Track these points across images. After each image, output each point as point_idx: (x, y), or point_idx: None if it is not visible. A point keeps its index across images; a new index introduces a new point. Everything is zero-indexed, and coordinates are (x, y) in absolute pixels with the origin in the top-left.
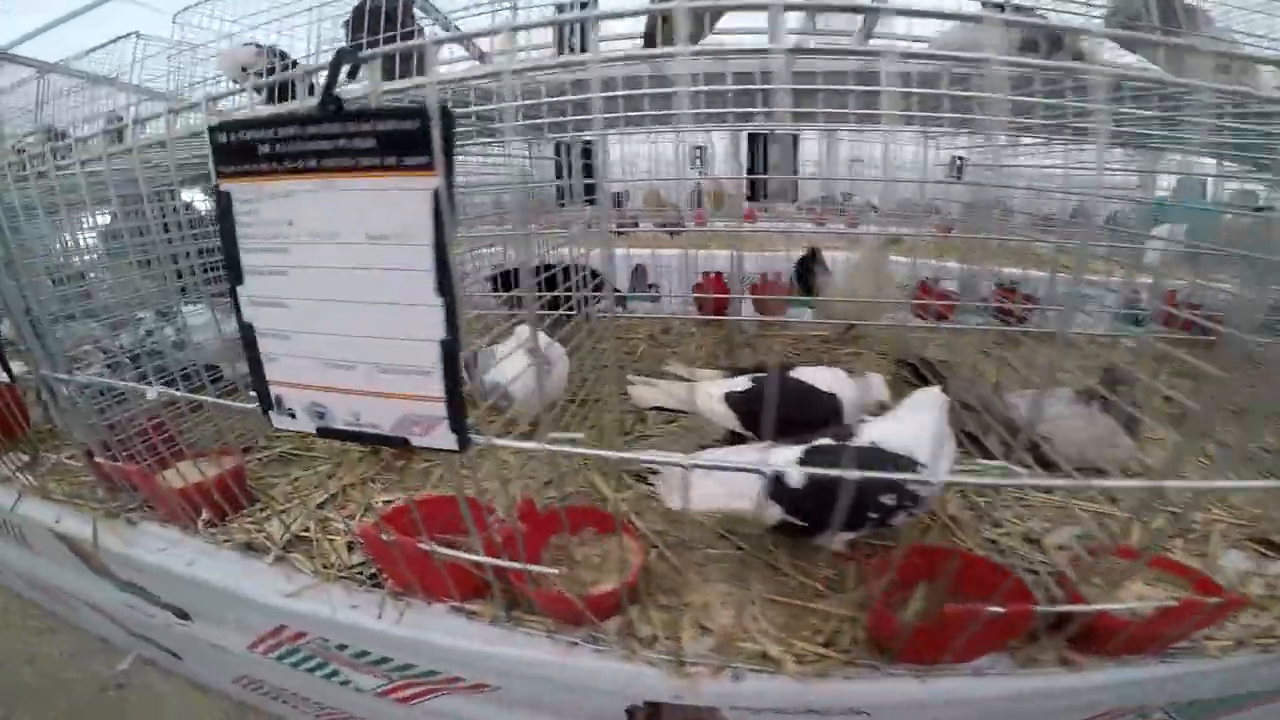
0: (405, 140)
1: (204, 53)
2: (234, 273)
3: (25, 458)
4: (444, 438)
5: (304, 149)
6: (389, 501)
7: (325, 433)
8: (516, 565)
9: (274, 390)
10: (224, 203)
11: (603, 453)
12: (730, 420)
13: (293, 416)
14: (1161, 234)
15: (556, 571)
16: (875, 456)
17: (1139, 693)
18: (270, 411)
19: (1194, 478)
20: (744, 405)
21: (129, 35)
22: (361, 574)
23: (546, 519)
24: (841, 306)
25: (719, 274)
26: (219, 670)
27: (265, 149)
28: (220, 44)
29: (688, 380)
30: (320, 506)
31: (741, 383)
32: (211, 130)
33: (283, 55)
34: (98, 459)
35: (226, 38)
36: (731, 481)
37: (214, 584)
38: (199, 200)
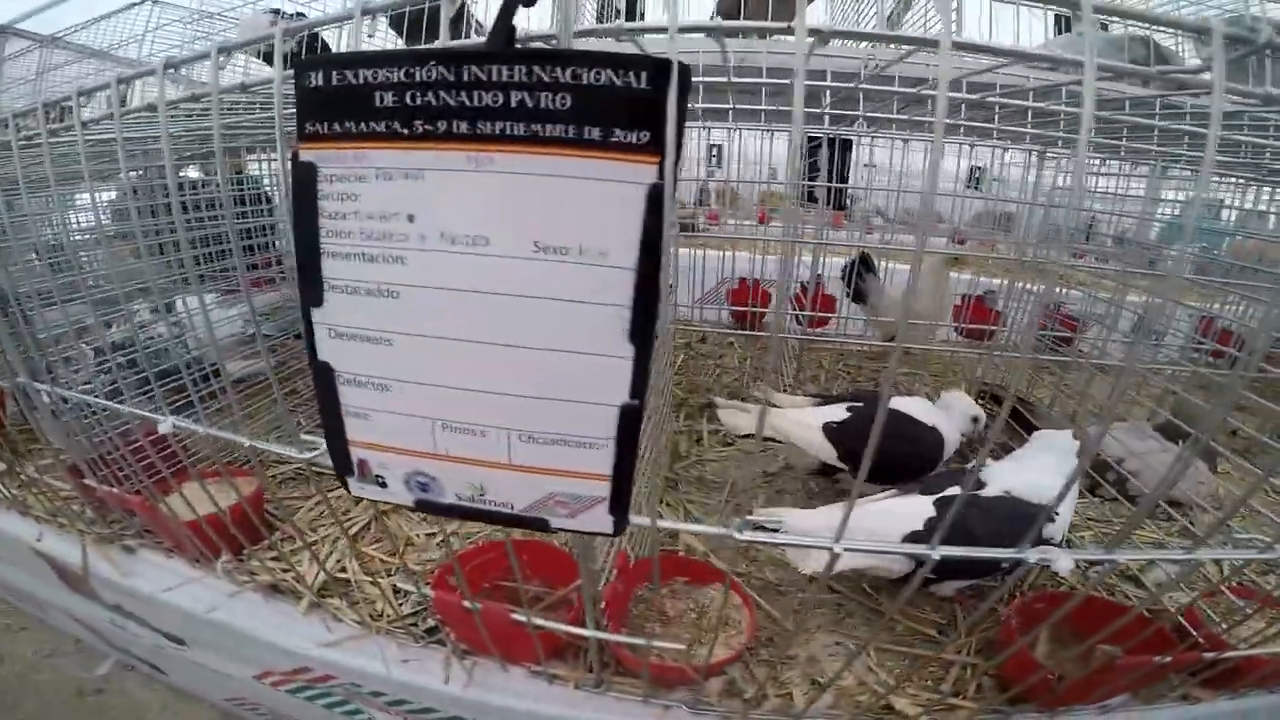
0: (620, 106)
1: (223, 22)
2: (309, 286)
3: (0, 465)
4: (598, 521)
5: (451, 105)
6: (432, 535)
7: (428, 508)
8: (635, 640)
9: (357, 454)
10: (304, 179)
11: (773, 539)
12: (828, 453)
13: (381, 485)
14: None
15: (680, 647)
16: (1012, 510)
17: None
18: (349, 478)
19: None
20: (844, 439)
21: (144, 1)
22: (416, 626)
23: (636, 570)
24: (894, 318)
25: (756, 281)
26: (210, 687)
27: (387, 100)
28: (243, 10)
29: (769, 405)
30: (355, 538)
31: (838, 412)
32: (299, 67)
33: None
34: (88, 481)
35: (250, 3)
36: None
37: (235, 628)
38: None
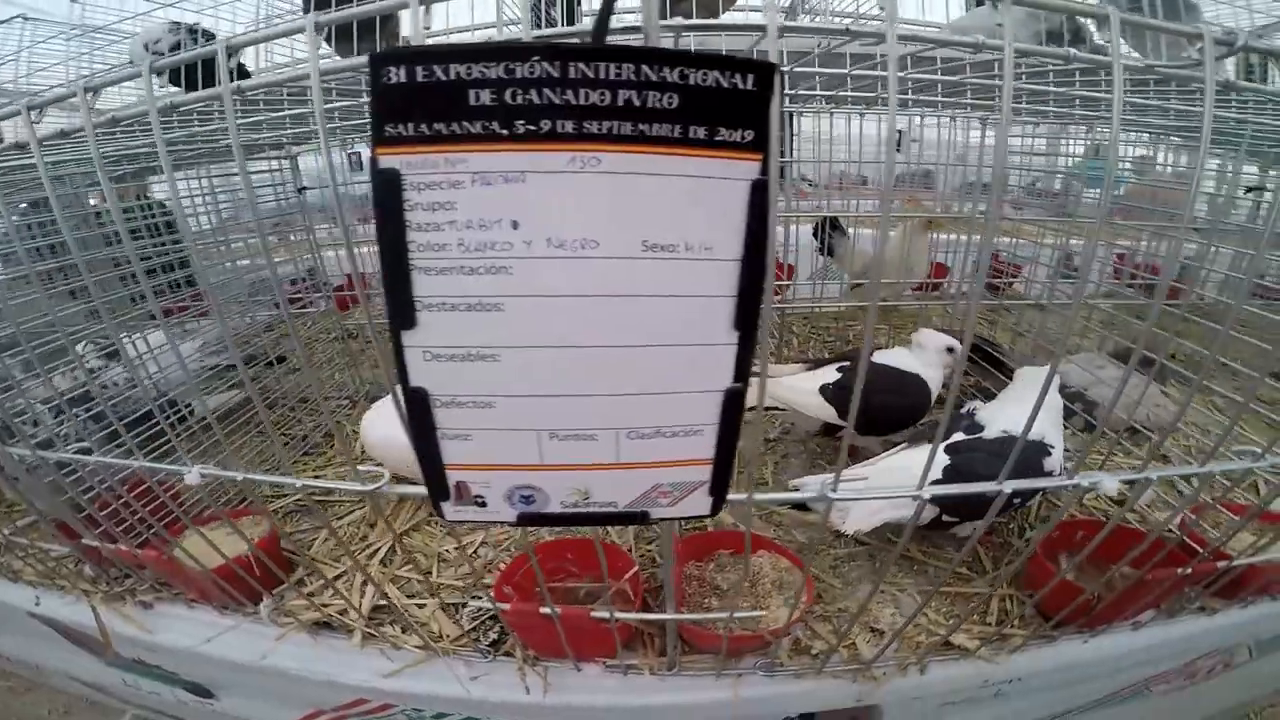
0: (726, 105)
1: (107, 37)
2: (398, 308)
3: None
4: (697, 503)
5: (556, 103)
6: (461, 549)
7: (530, 520)
8: (717, 616)
9: (455, 476)
10: (386, 188)
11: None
12: (828, 413)
13: (481, 505)
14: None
15: (762, 613)
16: (1028, 453)
17: (1242, 632)
18: (444, 504)
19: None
20: (843, 398)
21: (14, 19)
22: (479, 641)
23: (684, 549)
24: (861, 272)
25: None
26: None
27: (484, 98)
28: (130, 24)
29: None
30: (384, 564)
31: (830, 374)
32: (375, 62)
33: (207, 35)
34: (86, 541)
35: (130, 15)
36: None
37: (288, 671)
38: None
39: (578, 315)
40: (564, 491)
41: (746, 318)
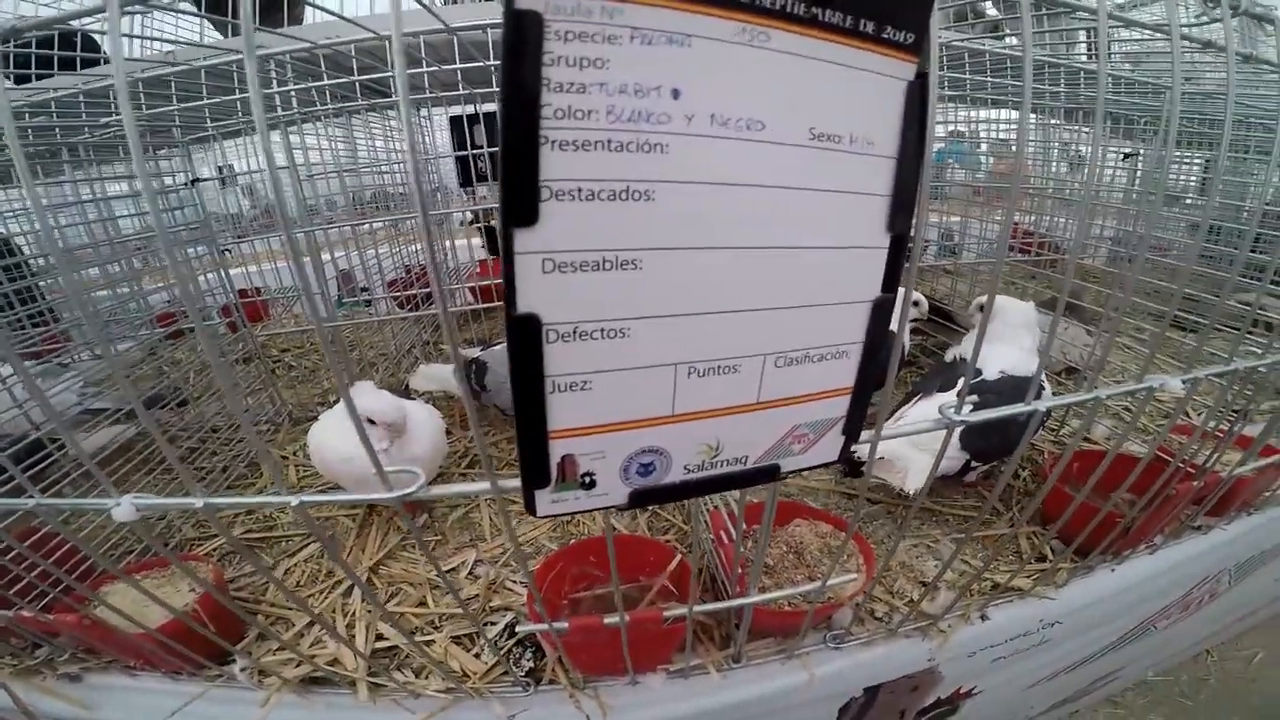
0: (896, 5)
1: None
2: (516, 196)
3: None
4: (829, 447)
5: None
6: (453, 571)
7: (645, 498)
8: (803, 589)
9: (562, 447)
10: (523, 32)
11: (900, 430)
12: None
13: (588, 485)
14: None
15: (854, 576)
16: (1016, 385)
17: (1228, 552)
18: (541, 492)
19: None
20: None
21: None
22: (511, 672)
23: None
24: None
25: None
26: None
27: None
28: None
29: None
30: (365, 602)
31: None
32: None
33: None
34: None
35: None
36: (930, 446)
37: None
38: None
39: (737, 208)
40: (691, 450)
41: (901, 220)
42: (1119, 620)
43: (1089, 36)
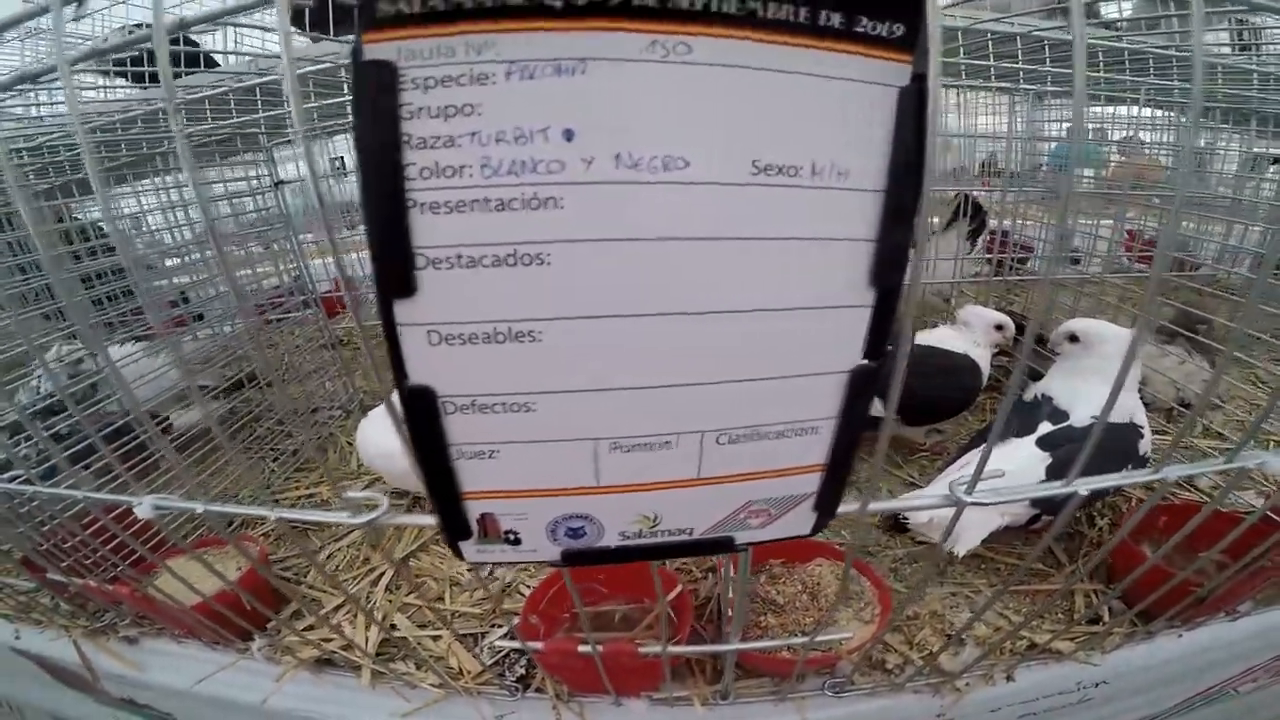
0: None
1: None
2: (387, 266)
3: None
4: (797, 522)
5: None
6: (473, 569)
7: (578, 559)
8: (790, 643)
9: (479, 507)
10: (374, 87)
11: (891, 505)
12: (873, 406)
13: (513, 543)
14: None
15: (848, 635)
16: (1120, 439)
17: None
18: (464, 543)
19: None
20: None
21: None
22: (503, 676)
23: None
24: None
25: None
26: None
27: None
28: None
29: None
30: (390, 591)
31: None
32: None
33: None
34: (53, 577)
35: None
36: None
37: (298, 715)
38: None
39: (658, 267)
40: (625, 520)
41: (889, 271)
42: (1183, 683)
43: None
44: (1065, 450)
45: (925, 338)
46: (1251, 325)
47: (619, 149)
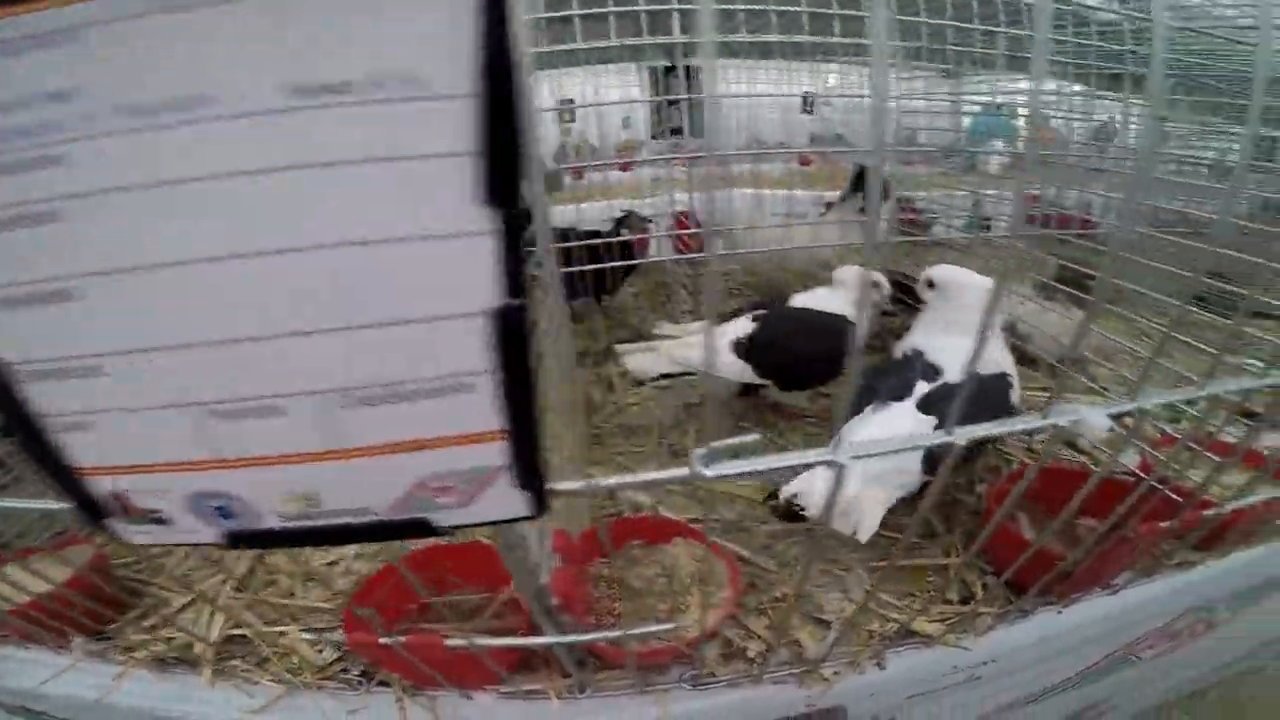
0: None
1: None
2: None
3: None
4: (505, 501)
5: None
6: (333, 564)
7: (246, 540)
8: (609, 635)
9: (103, 484)
10: None
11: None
12: (744, 373)
13: (161, 523)
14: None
15: (668, 626)
16: (993, 390)
17: (1220, 587)
18: (112, 521)
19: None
20: (759, 352)
21: None
22: (348, 670)
23: (584, 545)
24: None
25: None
26: None
27: None
28: None
29: (678, 337)
30: (239, 590)
31: (743, 326)
32: None
33: None
34: None
35: None
36: (882, 474)
37: (141, 712)
38: None
39: (203, 210)
40: (273, 498)
41: (502, 189)
42: (1075, 654)
43: None
44: (938, 408)
45: (801, 300)
46: (1121, 277)
47: (119, 100)
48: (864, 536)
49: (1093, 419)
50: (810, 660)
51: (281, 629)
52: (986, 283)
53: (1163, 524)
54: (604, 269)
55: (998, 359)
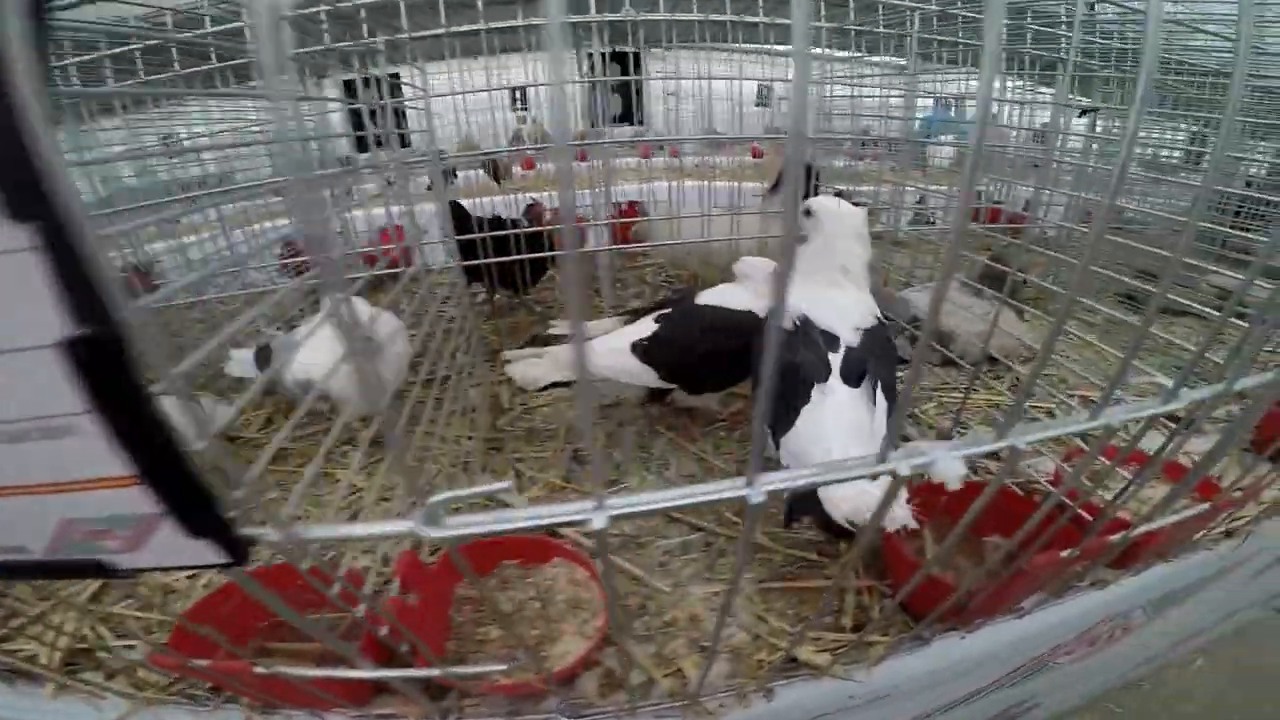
0: None
1: None
2: None
3: None
4: (185, 549)
5: None
6: (194, 577)
7: None
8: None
9: None
10: None
11: (657, 501)
12: (647, 376)
13: None
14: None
15: (501, 668)
16: (888, 340)
17: (1134, 600)
18: None
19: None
20: (661, 354)
21: None
22: (199, 687)
23: (440, 569)
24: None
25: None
26: None
27: None
28: None
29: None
30: (94, 601)
31: (645, 327)
32: None
33: None
34: None
35: None
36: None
37: None
38: None
39: None
40: None
41: (22, 197)
42: (986, 669)
43: None
44: (870, 372)
45: (706, 297)
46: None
47: None
48: (911, 521)
49: (944, 464)
50: (690, 694)
51: (130, 643)
52: (861, 213)
53: (1063, 553)
54: (513, 262)
55: (869, 306)
